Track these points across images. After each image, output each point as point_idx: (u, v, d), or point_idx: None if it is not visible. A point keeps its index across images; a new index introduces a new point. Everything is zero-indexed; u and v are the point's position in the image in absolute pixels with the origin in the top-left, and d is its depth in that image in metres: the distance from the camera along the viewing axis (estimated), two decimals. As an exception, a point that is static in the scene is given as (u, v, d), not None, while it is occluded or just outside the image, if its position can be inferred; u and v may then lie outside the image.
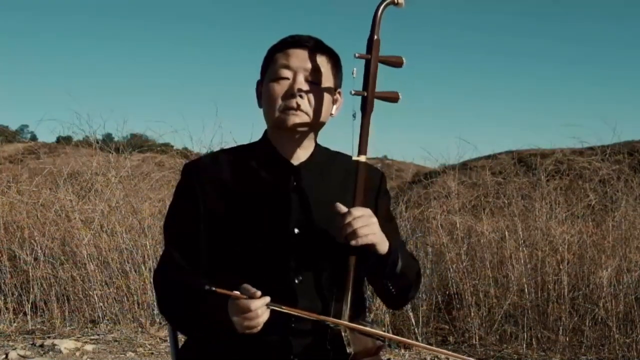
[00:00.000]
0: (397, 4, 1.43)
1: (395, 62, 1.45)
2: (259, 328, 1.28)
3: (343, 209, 1.35)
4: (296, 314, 1.30)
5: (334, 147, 1.56)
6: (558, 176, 5.35)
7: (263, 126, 1.52)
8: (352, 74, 1.41)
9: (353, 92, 1.42)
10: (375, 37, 1.42)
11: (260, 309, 1.26)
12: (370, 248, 1.36)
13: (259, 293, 1.26)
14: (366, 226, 1.34)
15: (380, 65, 1.43)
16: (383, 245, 1.38)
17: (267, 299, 1.27)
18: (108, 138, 6.46)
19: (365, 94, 1.42)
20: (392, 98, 1.45)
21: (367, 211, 1.36)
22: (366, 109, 1.42)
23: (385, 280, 1.45)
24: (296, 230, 1.41)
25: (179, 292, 1.41)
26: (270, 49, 1.47)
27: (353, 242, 1.33)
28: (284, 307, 1.29)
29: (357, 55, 1.41)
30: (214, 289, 1.26)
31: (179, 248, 1.46)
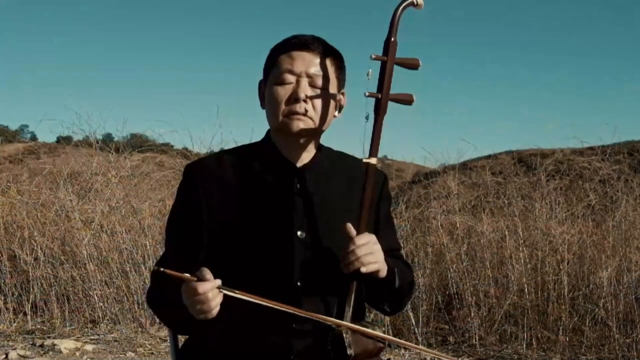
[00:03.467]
0: (416, 5, 1.41)
1: (411, 65, 1.43)
2: (213, 312, 1.25)
3: (352, 232, 1.34)
4: (257, 301, 1.28)
5: (338, 147, 1.56)
6: (558, 176, 5.35)
7: (264, 126, 1.51)
8: (367, 75, 1.39)
9: (367, 94, 1.40)
10: (392, 39, 1.39)
11: (210, 292, 1.23)
12: (372, 274, 1.36)
13: (208, 276, 1.24)
14: (370, 254, 1.33)
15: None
16: (384, 271, 1.38)
17: (217, 282, 1.25)
18: (108, 138, 6.46)
19: (380, 96, 1.40)
20: (406, 101, 1.43)
21: (372, 238, 1.36)
22: (379, 111, 1.40)
23: (382, 303, 1.48)
24: (299, 233, 1.40)
25: (160, 286, 1.41)
26: (273, 50, 1.45)
27: (363, 269, 1.33)
28: (237, 292, 1.27)
29: (373, 56, 1.39)
30: (162, 269, 1.24)
31: (177, 248, 1.46)
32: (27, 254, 5.21)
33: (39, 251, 5.20)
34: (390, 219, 1.59)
